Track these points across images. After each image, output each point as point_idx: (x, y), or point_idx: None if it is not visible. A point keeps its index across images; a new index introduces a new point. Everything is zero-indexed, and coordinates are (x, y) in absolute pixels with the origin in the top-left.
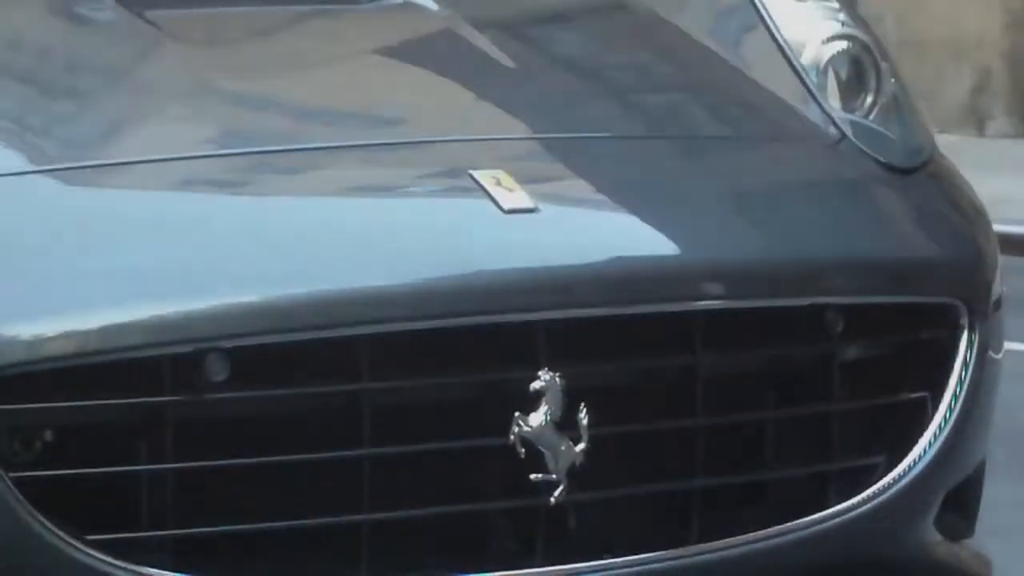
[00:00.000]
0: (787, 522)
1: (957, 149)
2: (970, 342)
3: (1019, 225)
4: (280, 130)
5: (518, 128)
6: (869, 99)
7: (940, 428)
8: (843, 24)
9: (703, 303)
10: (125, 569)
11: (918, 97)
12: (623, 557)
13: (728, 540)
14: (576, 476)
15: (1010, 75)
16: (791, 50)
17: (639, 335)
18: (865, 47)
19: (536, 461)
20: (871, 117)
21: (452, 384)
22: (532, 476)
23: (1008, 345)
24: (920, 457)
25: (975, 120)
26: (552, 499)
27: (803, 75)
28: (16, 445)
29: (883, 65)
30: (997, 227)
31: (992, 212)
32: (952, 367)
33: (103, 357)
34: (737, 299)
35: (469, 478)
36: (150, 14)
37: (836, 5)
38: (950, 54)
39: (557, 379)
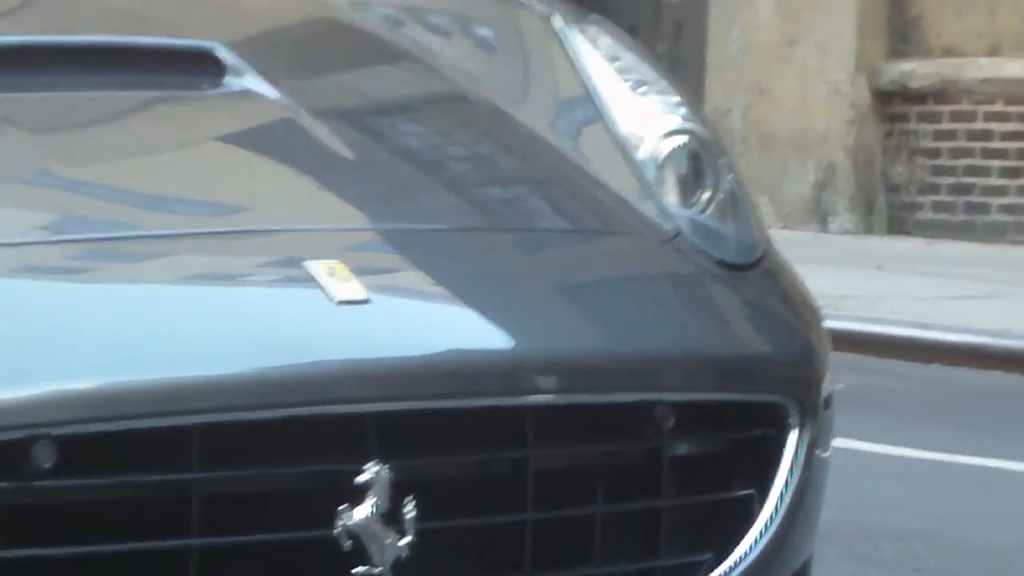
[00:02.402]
0: None
1: (800, 244)
2: (799, 440)
3: (858, 322)
4: (115, 217)
5: (356, 218)
6: (706, 195)
7: (767, 526)
8: (683, 119)
9: (535, 397)
10: None
11: (762, 192)
12: None
13: None
14: (402, 570)
15: (853, 171)
16: (629, 144)
17: (471, 427)
18: (704, 142)
19: (364, 554)
20: (707, 213)
21: (282, 475)
22: (355, 570)
23: (844, 442)
24: (746, 554)
25: (818, 216)
26: None
27: (640, 170)
28: None
29: (721, 161)
30: (837, 323)
31: (832, 308)
32: (780, 465)
33: None
34: (568, 393)
35: (298, 570)
36: None
37: (677, 99)
38: (795, 149)
39: (385, 471)
